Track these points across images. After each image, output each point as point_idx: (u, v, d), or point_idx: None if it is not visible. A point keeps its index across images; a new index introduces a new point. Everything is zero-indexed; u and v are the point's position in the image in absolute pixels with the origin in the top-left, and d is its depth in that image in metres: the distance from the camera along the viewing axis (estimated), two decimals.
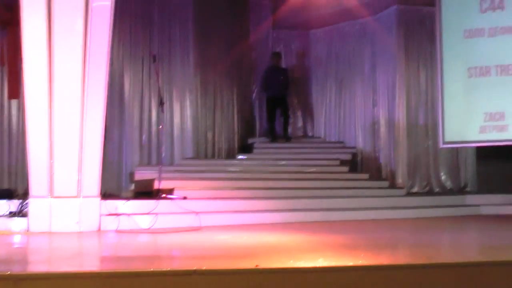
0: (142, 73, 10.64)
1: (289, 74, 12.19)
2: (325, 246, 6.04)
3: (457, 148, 11.18)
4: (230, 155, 11.27)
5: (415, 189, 11.11)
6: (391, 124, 11.17)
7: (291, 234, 7.08)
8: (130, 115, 10.49)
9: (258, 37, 12.22)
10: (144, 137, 10.58)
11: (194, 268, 4.22)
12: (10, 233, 7.01)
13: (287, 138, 11.86)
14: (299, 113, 12.84)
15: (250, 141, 11.75)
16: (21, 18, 7.11)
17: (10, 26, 8.98)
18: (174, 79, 10.85)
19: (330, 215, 8.77)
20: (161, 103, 9.00)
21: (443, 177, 11.37)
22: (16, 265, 5.01)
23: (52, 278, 4.12)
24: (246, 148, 11.52)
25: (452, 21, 10.35)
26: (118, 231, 7.28)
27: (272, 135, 11.81)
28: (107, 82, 7.44)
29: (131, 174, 10.03)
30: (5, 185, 9.56)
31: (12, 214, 7.34)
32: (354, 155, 11.67)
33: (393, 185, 10.84)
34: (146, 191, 8.97)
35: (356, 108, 11.95)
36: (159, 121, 10.23)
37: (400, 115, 11.01)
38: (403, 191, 10.50)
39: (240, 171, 10.41)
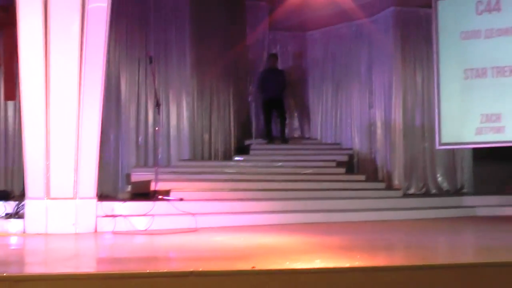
0: (139, 74, 10.63)
1: (286, 76, 12.19)
2: (321, 248, 6.04)
3: (453, 150, 11.21)
4: (227, 157, 11.27)
5: (411, 191, 11.14)
6: (388, 125, 11.18)
7: (288, 235, 7.07)
8: (127, 116, 10.48)
9: (255, 39, 12.22)
10: (140, 138, 10.57)
11: (191, 269, 4.22)
12: (7, 235, 6.99)
13: (284, 139, 11.86)
14: (295, 115, 12.85)
15: (246, 142, 11.75)
16: (18, 19, 7.11)
17: (6, 27, 8.95)
18: (170, 80, 10.85)
19: (326, 216, 8.77)
20: (157, 105, 8.99)
21: (439, 179, 11.39)
22: (13, 266, 5.00)
23: (49, 280, 4.11)
24: (242, 150, 11.52)
25: (449, 23, 10.38)
26: (114, 233, 7.27)
27: (269, 137, 11.81)
28: (103, 83, 7.44)
29: (128, 176, 10.02)
30: (2, 187, 9.53)
31: (8, 216, 7.33)
32: (351, 156, 11.68)
33: (389, 187, 10.85)
34: (142, 193, 8.95)
35: (353, 110, 11.97)
36: (155, 123, 10.23)
37: (397, 117, 11.03)
38: (399, 193, 10.51)
39: (237, 173, 10.39)
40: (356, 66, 11.93)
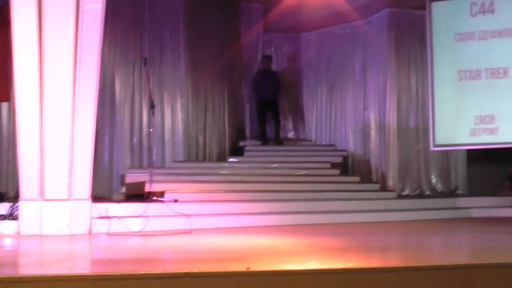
0: (133, 75, 10.63)
1: (280, 77, 12.21)
2: (316, 249, 6.04)
3: (447, 151, 11.24)
4: (221, 158, 11.27)
5: (406, 192, 11.16)
6: (382, 127, 11.20)
7: (282, 236, 7.07)
8: (121, 117, 10.47)
9: (249, 40, 12.23)
10: (135, 139, 10.56)
11: (185, 271, 4.21)
12: (1, 236, 6.96)
13: (278, 141, 11.86)
14: (290, 116, 12.86)
15: (241, 144, 11.75)
16: (12, 19, 7.08)
17: (0, 27, 8.93)
18: (165, 81, 10.84)
19: (321, 217, 8.77)
20: (152, 106, 8.97)
21: (433, 180, 11.42)
22: (7, 268, 4.98)
23: (43, 281, 4.10)
24: (237, 151, 11.52)
25: (443, 25, 10.41)
26: (109, 234, 7.25)
27: (263, 138, 11.81)
28: (98, 85, 7.42)
29: (122, 177, 10.01)
30: None
31: (2, 217, 7.29)
32: (345, 158, 11.70)
33: (384, 188, 10.87)
34: (137, 194, 8.94)
35: (347, 111, 11.98)
36: (150, 124, 10.22)
37: (391, 118, 11.04)
38: (394, 194, 10.53)
39: (231, 174, 10.38)
40: (351, 67, 11.95)
